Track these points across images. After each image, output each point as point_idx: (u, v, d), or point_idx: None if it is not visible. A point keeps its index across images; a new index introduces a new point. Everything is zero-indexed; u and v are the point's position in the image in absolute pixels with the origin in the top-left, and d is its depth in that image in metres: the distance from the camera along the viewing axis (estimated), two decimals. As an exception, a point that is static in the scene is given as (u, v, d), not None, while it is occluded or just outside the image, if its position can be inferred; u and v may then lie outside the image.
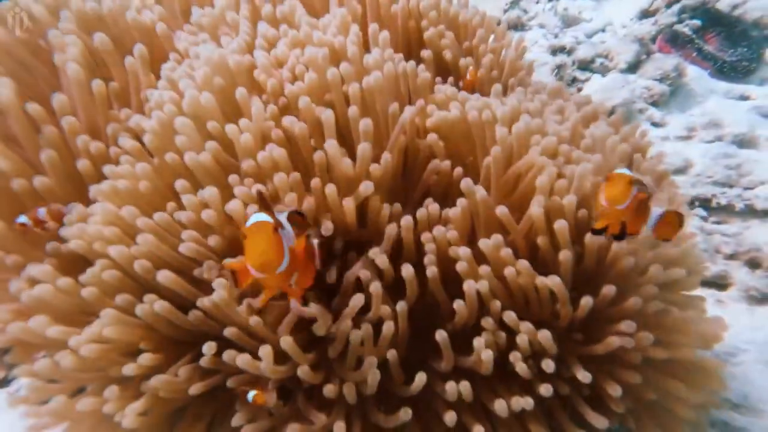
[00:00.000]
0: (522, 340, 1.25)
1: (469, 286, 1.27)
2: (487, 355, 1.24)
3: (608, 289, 1.28)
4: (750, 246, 2.55)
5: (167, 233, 1.27)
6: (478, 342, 1.26)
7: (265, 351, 1.18)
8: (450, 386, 1.25)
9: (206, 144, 1.27)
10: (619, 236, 1.21)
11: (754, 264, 2.51)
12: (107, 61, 1.51)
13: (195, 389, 1.23)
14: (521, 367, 1.25)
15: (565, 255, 1.27)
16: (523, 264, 1.28)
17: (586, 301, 1.28)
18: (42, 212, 1.26)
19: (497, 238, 1.29)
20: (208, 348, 1.22)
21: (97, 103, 1.44)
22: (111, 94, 1.48)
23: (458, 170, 1.41)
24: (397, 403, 1.26)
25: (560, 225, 1.27)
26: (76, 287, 1.23)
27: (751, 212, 2.73)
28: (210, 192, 1.23)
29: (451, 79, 1.73)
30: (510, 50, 1.82)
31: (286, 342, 1.18)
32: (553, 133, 1.39)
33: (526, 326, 1.26)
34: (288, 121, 1.30)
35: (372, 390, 1.25)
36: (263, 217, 0.99)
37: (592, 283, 1.32)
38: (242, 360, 1.18)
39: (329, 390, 1.22)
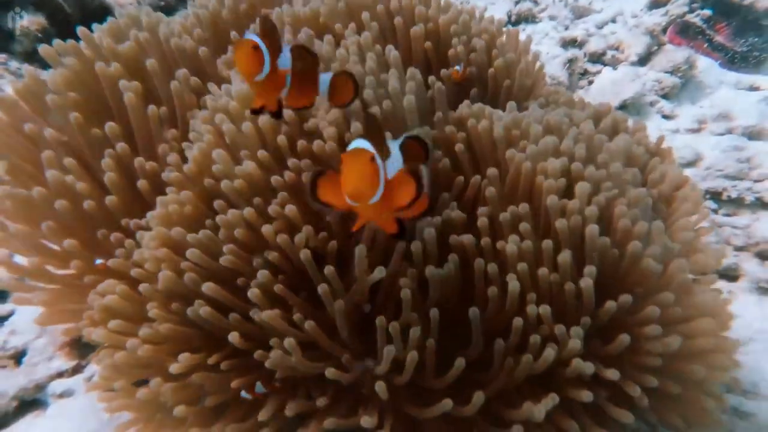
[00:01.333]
0: (575, 344, 1.26)
1: (513, 286, 1.30)
2: (548, 354, 1.24)
3: (625, 298, 1.30)
4: (760, 238, 2.60)
5: (211, 247, 1.40)
6: (518, 322, 1.27)
7: (290, 343, 1.27)
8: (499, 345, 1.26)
9: (245, 165, 1.40)
10: (276, 113, 1.18)
11: (763, 256, 2.57)
12: (157, 84, 1.71)
13: (236, 383, 1.36)
14: (578, 364, 1.25)
15: (590, 270, 1.29)
16: (565, 258, 1.29)
17: (610, 306, 1.29)
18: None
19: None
20: (233, 338, 1.33)
21: (150, 125, 1.66)
22: (161, 115, 1.66)
23: (490, 188, 1.47)
24: (427, 397, 1.33)
25: (591, 230, 1.29)
26: (132, 294, 1.42)
27: (761, 205, 2.78)
28: (247, 211, 1.37)
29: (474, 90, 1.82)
30: (527, 58, 1.90)
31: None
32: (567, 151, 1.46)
33: (560, 329, 1.28)
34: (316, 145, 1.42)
35: (407, 375, 1.28)
36: (364, 144, 0.94)
37: (612, 287, 1.35)
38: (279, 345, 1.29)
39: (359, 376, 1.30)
